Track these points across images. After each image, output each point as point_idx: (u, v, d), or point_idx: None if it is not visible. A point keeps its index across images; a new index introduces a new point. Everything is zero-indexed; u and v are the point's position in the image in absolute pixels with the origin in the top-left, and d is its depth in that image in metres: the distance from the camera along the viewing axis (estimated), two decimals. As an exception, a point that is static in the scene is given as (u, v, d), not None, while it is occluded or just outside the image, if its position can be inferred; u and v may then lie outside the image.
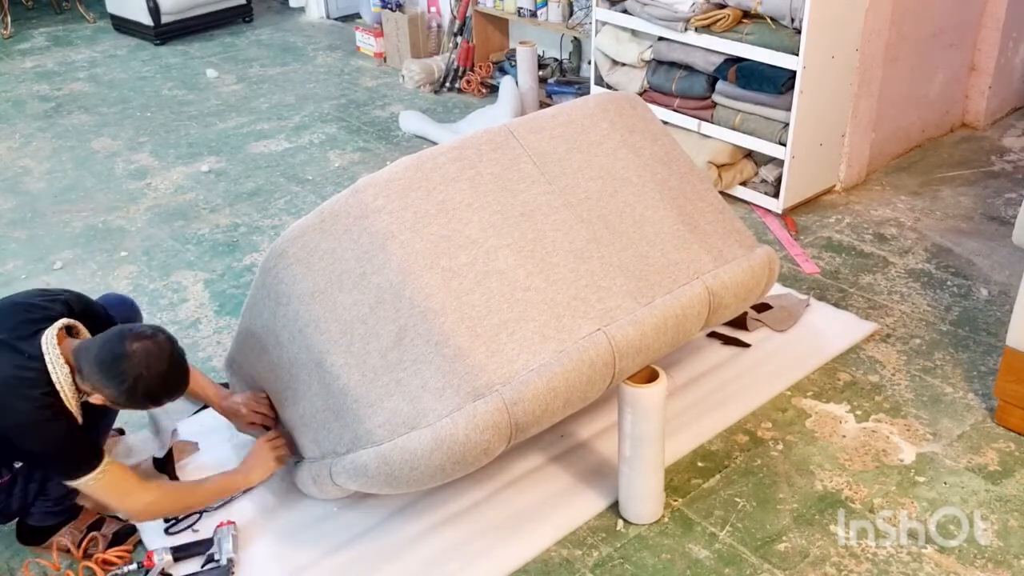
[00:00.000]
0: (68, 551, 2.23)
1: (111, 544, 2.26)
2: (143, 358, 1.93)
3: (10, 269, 3.53)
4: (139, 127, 4.87)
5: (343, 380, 2.10)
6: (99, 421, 2.17)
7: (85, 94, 5.37)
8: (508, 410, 2.00)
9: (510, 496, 2.37)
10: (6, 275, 3.48)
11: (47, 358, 1.95)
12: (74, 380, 1.97)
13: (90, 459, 2.01)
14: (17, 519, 2.26)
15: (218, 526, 2.27)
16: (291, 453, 2.33)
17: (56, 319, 2.03)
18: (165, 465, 2.47)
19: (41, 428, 1.93)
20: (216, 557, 2.20)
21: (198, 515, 2.34)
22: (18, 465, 2.11)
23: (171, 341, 2.02)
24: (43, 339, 1.97)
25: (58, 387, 1.95)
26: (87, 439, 2.03)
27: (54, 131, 4.84)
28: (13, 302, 2.10)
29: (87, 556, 2.22)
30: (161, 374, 1.96)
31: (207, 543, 2.25)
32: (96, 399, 1.99)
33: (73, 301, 2.14)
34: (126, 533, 2.29)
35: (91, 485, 2.02)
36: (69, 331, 2.06)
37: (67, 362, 1.97)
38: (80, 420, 2.00)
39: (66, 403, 1.96)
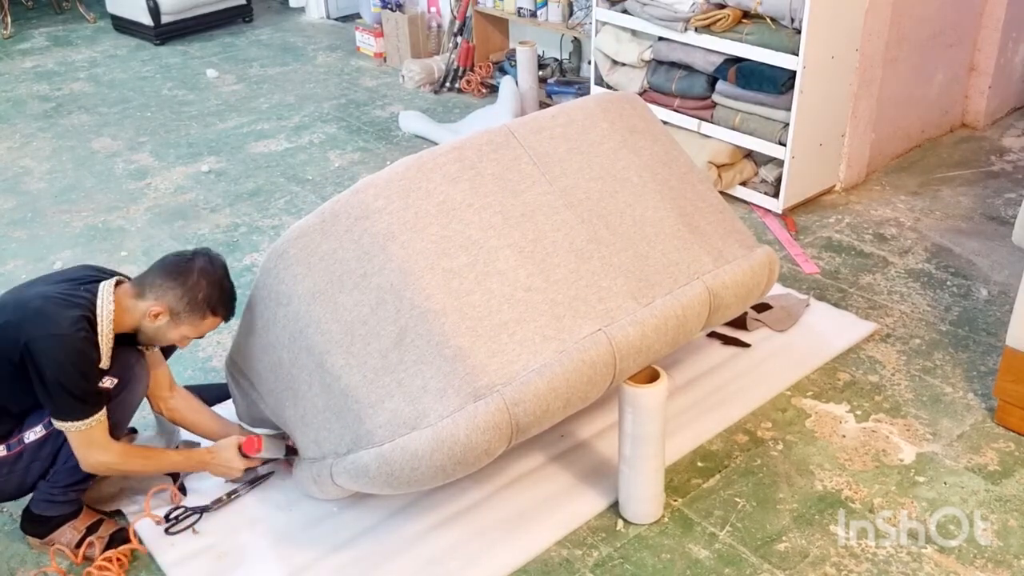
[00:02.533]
0: (67, 551, 2.23)
1: (108, 546, 2.25)
2: (205, 263, 2.18)
3: (10, 269, 3.53)
4: (139, 127, 4.87)
5: (344, 381, 2.10)
6: (123, 389, 2.20)
7: (85, 94, 5.37)
8: (509, 411, 2.00)
9: (510, 496, 2.37)
10: (6, 275, 3.48)
11: (100, 294, 2.10)
12: (115, 324, 2.09)
13: (91, 405, 2.07)
14: (24, 507, 2.27)
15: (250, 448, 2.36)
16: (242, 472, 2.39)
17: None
18: None
19: (67, 344, 2.01)
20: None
21: (198, 515, 2.35)
22: (29, 438, 2.13)
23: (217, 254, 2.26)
24: (102, 284, 2.13)
25: (98, 317, 2.07)
26: (97, 384, 2.08)
27: (54, 131, 4.84)
28: (84, 264, 2.33)
29: (86, 559, 2.22)
30: (220, 280, 2.19)
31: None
32: (155, 310, 2.11)
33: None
34: (123, 539, 2.28)
35: (72, 431, 2.07)
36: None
37: (116, 307, 2.10)
38: (105, 363, 2.09)
39: (99, 338, 2.06)
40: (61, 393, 2.03)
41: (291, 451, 2.38)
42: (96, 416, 2.07)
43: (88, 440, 2.09)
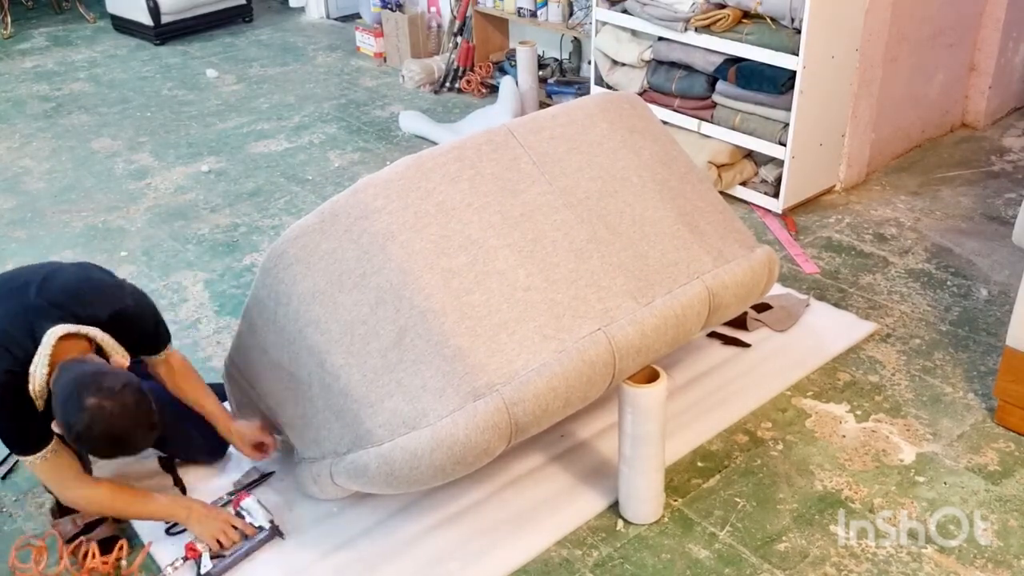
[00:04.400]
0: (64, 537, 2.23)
1: (100, 548, 2.23)
2: (94, 415, 1.86)
3: (10, 269, 3.52)
4: (139, 127, 4.87)
5: (343, 380, 2.10)
6: None
7: (85, 94, 5.37)
8: (508, 410, 2.00)
9: (510, 496, 2.37)
10: (6, 275, 3.48)
11: (39, 351, 1.94)
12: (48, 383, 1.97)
13: (32, 443, 2.05)
14: None
15: (236, 503, 2.31)
16: (234, 540, 2.23)
17: (85, 322, 2.01)
18: (170, 464, 2.48)
19: None
20: (257, 525, 2.25)
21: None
22: None
23: (136, 401, 1.92)
24: (47, 333, 1.95)
25: (31, 379, 1.94)
26: (35, 423, 2.02)
27: (54, 131, 4.84)
28: (88, 276, 2.15)
29: (72, 555, 2.20)
30: (109, 435, 1.89)
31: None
32: (56, 426, 1.98)
33: (129, 312, 2.12)
34: (112, 539, 2.25)
35: (34, 465, 2.08)
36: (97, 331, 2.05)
37: (51, 368, 1.95)
38: (42, 407, 1.99)
39: (31, 390, 1.95)
40: (3, 434, 2.06)
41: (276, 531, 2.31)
42: (45, 450, 2.05)
43: (51, 475, 2.10)
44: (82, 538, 2.23)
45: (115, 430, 1.88)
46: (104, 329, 2.05)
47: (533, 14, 4.87)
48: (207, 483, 2.45)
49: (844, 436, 2.55)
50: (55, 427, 1.97)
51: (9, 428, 2.04)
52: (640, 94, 3.89)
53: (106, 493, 2.17)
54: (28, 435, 2.04)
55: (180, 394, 2.35)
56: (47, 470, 2.09)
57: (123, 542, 2.23)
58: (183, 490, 2.42)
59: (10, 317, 2.00)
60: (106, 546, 2.24)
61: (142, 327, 2.20)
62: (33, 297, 2.03)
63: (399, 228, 2.15)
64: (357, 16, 6.11)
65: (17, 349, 1.96)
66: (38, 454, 2.05)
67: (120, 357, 2.06)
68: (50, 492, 2.26)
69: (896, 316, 3.05)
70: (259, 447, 2.41)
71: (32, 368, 1.94)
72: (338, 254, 2.17)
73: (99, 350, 2.05)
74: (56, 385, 1.92)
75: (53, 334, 1.95)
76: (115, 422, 1.87)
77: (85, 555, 2.17)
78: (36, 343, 1.95)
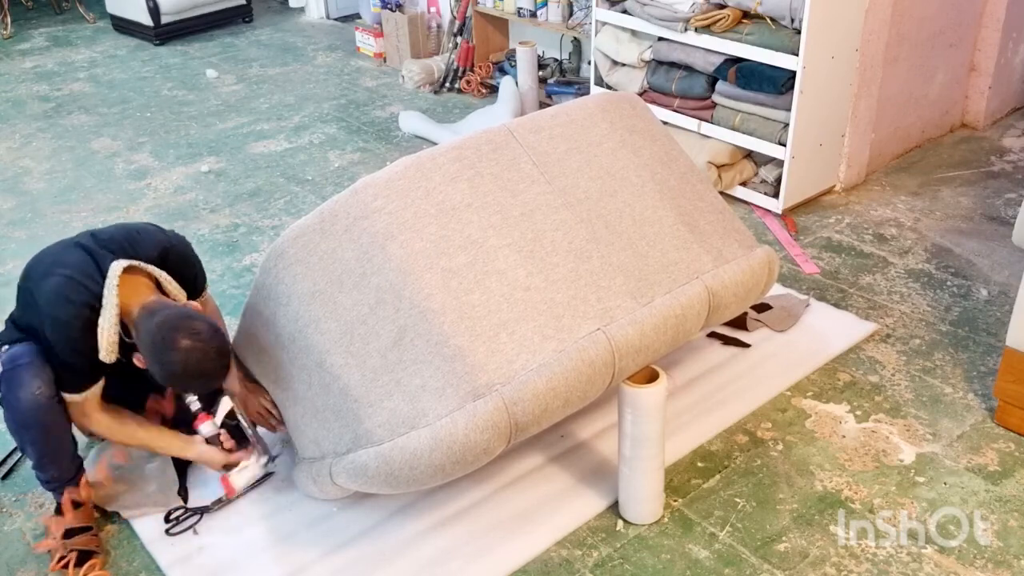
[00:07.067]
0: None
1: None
2: (188, 356, 2.04)
3: (10, 269, 3.53)
4: (139, 127, 4.87)
5: (343, 380, 2.10)
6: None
7: (85, 94, 5.37)
8: (508, 410, 2.00)
9: (510, 496, 2.37)
10: (6, 275, 3.48)
11: (107, 284, 2.09)
12: (119, 322, 2.10)
13: (82, 382, 2.17)
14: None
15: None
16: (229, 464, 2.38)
17: (142, 259, 2.17)
18: (183, 467, 2.48)
19: (64, 331, 2.09)
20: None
21: (199, 516, 2.35)
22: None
23: (221, 343, 2.12)
24: (111, 266, 2.10)
25: (102, 313, 2.08)
26: (93, 363, 2.13)
27: (54, 131, 4.84)
28: (130, 225, 2.29)
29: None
30: (201, 373, 2.09)
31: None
32: (139, 361, 2.14)
33: (176, 249, 2.28)
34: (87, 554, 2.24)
35: (73, 401, 2.19)
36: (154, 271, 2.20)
37: (121, 306, 2.09)
38: (107, 354, 2.10)
39: (100, 325, 2.08)
40: (57, 366, 2.15)
41: (269, 458, 2.40)
42: (89, 391, 2.18)
43: (78, 410, 2.21)
44: (63, 543, 2.22)
45: (205, 369, 2.08)
46: (157, 267, 2.20)
47: (533, 14, 4.87)
48: (207, 484, 2.45)
49: (844, 436, 2.55)
50: (137, 361, 2.12)
51: (72, 363, 2.14)
52: (640, 94, 3.89)
53: (112, 428, 2.29)
54: (85, 373, 2.16)
55: None
56: (81, 406, 2.20)
57: (96, 561, 2.21)
58: (185, 496, 2.42)
59: (76, 260, 2.13)
60: (83, 557, 2.21)
61: (188, 264, 2.33)
62: (90, 244, 2.17)
63: (399, 228, 2.15)
64: (357, 16, 6.11)
65: (93, 284, 2.09)
66: (85, 393, 2.17)
67: (179, 294, 2.23)
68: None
69: (896, 316, 3.05)
70: (257, 417, 2.46)
71: (104, 302, 2.08)
72: (338, 254, 2.17)
73: (160, 290, 2.20)
74: (145, 326, 2.06)
75: (118, 266, 2.10)
76: (205, 362, 2.07)
77: (66, 565, 2.18)
78: (104, 279, 2.10)
